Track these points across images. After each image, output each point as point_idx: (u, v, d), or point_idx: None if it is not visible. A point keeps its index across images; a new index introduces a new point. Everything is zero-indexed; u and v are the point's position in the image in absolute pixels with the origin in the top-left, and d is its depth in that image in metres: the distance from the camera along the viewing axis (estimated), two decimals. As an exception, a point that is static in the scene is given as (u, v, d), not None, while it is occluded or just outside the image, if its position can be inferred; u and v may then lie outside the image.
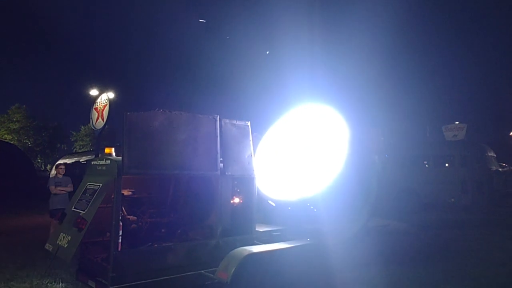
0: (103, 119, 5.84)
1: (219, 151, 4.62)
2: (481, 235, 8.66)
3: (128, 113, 4.05)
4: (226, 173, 4.70)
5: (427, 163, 12.85)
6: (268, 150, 5.92)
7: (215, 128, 4.64)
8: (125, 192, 4.82)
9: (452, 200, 11.72)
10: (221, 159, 4.68)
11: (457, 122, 14.66)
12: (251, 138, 5.07)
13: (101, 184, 4.24)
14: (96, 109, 6.09)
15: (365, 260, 5.57)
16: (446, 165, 12.39)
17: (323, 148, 5.36)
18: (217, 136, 4.63)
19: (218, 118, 4.72)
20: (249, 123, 5.08)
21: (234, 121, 4.93)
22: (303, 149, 5.57)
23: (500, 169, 12.82)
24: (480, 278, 5.43)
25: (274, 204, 5.49)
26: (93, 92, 8.07)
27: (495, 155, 12.86)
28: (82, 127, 29.04)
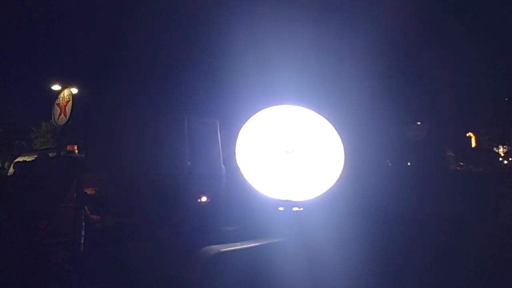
0: (65, 115, 5.62)
1: (186, 149, 4.57)
2: (439, 231, 9.10)
3: (91, 109, 3.93)
4: (194, 172, 4.65)
5: (390, 162, 13.29)
6: (258, 148, 5.77)
7: (183, 126, 4.58)
8: (88, 191, 4.69)
9: (414, 198, 12.19)
10: (189, 157, 4.64)
11: (418, 123, 15.28)
12: (219, 136, 5.05)
13: (62, 182, 4.11)
14: (58, 104, 5.85)
15: (335, 257, 5.66)
16: (408, 164, 12.87)
17: (320, 148, 5.34)
18: (184, 134, 4.57)
19: (186, 115, 4.66)
20: (217, 121, 5.05)
21: (203, 119, 4.89)
22: (299, 149, 5.52)
23: (458, 168, 13.48)
24: (430, 271, 5.73)
25: (282, 209, 5.40)
26: (55, 87, 7.73)
27: (453, 155, 13.49)
28: (44, 123, 27.81)
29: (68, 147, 4.48)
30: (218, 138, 5.01)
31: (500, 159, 36.64)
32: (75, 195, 3.96)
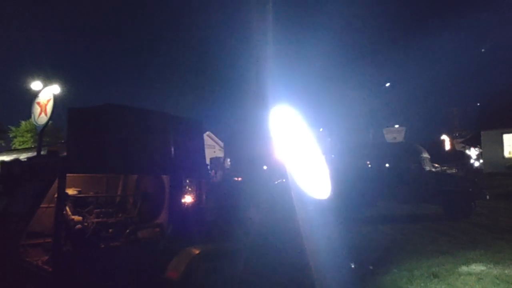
0: (46, 114, 5.49)
1: (171, 149, 4.55)
2: (414, 228, 9.38)
3: (72, 108, 3.88)
4: (178, 172, 4.64)
5: (369, 163, 13.56)
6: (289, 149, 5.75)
7: (167, 125, 4.55)
8: (70, 191, 4.61)
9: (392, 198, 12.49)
10: (173, 157, 4.62)
11: (396, 125, 15.67)
12: (204, 136, 5.07)
13: (43, 183, 4.03)
14: (39, 103, 5.70)
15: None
16: (387, 165, 13.16)
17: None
18: (169, 134, 4.54)
19: (170, 114, 4.65)
20: (202, 120, 5.06)
21: (187, 118, 4.88)
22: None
23: (433, 169, 13.89)
24: (414, 269, 5.89)
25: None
26: (36, 84, 7.51)
27: (429, 156, 13.89)
28: (23, 122, 26.86)
29: (49, 148, 4.39)
30: (202, 138, 5.03)
31: (472, 161, 37.92)
32: (56, 195, 3.89)
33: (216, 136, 37.25)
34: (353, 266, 5.67)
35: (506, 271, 5.69)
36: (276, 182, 5.53)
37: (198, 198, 4.98)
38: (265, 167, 5.35)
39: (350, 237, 7.86)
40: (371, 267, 5.90)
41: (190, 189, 5.00)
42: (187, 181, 4.93)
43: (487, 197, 11.78)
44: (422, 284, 5.31)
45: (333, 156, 13.01)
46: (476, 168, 32.61)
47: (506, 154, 24.38)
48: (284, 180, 5.53)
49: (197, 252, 4.35)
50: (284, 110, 5.96)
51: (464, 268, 5.91)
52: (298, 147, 5.80)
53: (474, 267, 5.94)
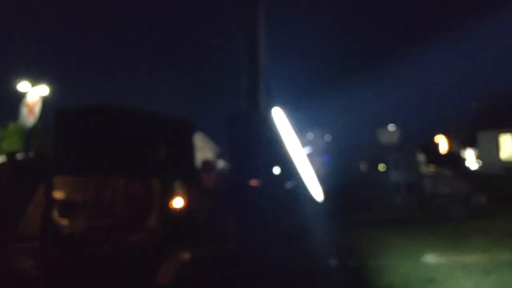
0: (34, 115, 5.41)
1: (161, 151, 4.47)
2: (410, 233, 9.30)
3: (59, 108, 3.80)
4: (168, 174, 4.56)
5: (364, 166, 13.49)
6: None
7: (157, 126, 4.48)
8: (57, 194, 4.51)
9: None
10: (163, 159, 4.54)
11: (391, 127, 15.63)
12: (195, 137, 5.00)
13: (30, 186, 3.94)
14: (27, 104, 5.63)
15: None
16: (381, 167, 13.09)
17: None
18: (159, 134, 4.46)
19: (161, 114, 4.58)
20: (193, 121, 4.99)
21: (178, 118, 4.80)
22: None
23: (429, 171, 13.85)
24: (410, 274, 5.82)
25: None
26: (24, 85, 7.39)
27: (424, 158, 13.84)
28: (11, 123, 26.66)
29: (37, 150, 4.31)
30: (193, 140, 4.95)
31: (468, 162, 38.07)
32: (43, 199, 3.81)
33: (209, 137, 37.13)
34: (334, 264, 5.64)
35: (504, 276, 5.63)
36: (287, 185, 5.52)
37: (189, 201, 4.89)
38: (276, 169, 5.30)
39: (344, 239, 7.82)
40: (352, 263, 5.85)
41: (180, 191, 4.90)
42: (178, 183, 4.84)
43: (484, 199, 11.74)
44: (418, 289, 5.24)
45: (326, 158, 12.95)
46: (473, 170, 32.75)
47: (503, 155, 24.41)
48: (290, 183, 5.52)
49: (188, 256, 4.27)
50: (279, 112, 5.97)
51: (461, 273, 5.84)
52: (296, 149, 5.81)
53: (471, 272, 5.87)
